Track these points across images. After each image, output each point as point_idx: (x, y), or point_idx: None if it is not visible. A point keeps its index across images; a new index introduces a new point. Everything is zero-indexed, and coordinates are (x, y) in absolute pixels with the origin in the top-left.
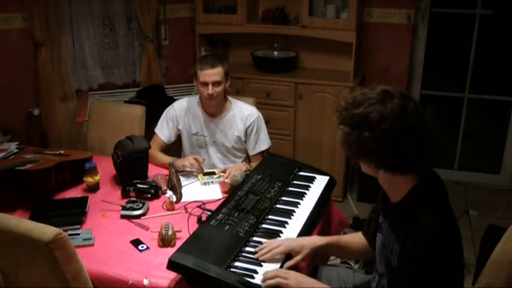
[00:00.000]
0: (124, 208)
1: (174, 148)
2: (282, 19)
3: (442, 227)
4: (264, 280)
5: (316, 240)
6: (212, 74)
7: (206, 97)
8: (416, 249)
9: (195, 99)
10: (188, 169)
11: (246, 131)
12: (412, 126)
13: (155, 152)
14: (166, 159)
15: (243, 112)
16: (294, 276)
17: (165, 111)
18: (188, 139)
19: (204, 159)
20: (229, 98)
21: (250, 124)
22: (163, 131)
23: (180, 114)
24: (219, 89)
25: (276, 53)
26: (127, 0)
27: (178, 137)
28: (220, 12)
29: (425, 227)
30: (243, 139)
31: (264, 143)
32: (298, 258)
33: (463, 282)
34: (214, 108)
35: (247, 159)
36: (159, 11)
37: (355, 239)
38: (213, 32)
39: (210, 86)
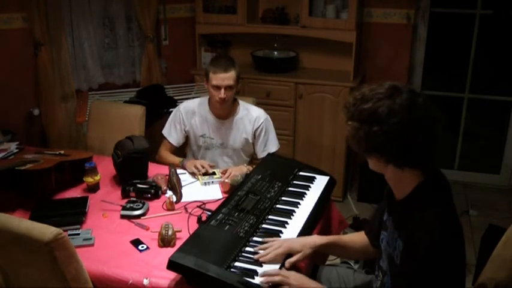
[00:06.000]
0: (124, 208)
1: (177, 148)
2: (282, 19)
3: (445, 225)
4: (263, 275)
5: (316, 239)
6: (225, 78)
7: (217, 101)
8: (420, 246)
9: (203, 100)
10: (195, 169)
11: (254, 133)
12: (420, 120)
13: (165, 154)
14: (177, 160)
15: (251, 114)
16: (296, 278)
17: (172, 113)
18: (195, 141)
19: (213, 166)
20: (238, 99)
21: (259, 126)
22: (172, 135)
23: (186, 116)
24: (231, 93)
25: (276, 53)
26: (127, 0)
27: (186, 138)
28: (220, 12)
29: (428, 224)
30: (251, 141)
31: (273, 145)
32: (299, 256)
33: (465, 279)
34: (223, 111)
35: (251, 163)
36: (159, 11)
37: (355, 238)
38: (213, 32)
39: (223, 90)
